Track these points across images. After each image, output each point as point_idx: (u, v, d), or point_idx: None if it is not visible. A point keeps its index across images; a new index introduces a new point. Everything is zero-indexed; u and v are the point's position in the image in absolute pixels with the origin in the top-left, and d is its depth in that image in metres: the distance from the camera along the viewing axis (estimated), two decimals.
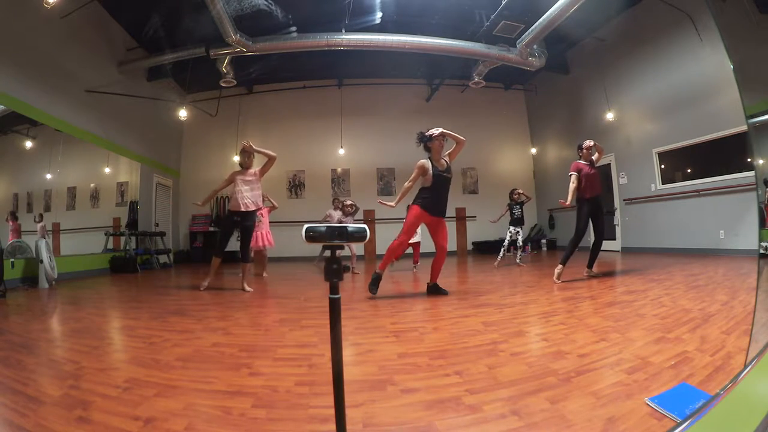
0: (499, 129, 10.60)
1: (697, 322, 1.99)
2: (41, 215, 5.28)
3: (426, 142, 3.31)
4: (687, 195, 6.26)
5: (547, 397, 1.21)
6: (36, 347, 1.97)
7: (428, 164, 3.26)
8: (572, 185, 3.92)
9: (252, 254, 5.53)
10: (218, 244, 4.09)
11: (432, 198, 3.28)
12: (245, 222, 3.97)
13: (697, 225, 6.10)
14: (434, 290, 3.39)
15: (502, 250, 5.91)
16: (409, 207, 3.47)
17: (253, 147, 3.96)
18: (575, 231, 3.96)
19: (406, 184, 3.33)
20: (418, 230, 5.37)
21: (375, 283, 3.31)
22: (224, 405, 1.23)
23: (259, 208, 4.26)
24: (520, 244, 5.96)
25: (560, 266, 3.87)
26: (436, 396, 1.25)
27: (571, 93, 9.01)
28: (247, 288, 3.94)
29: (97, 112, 6.37)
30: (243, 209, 3.92)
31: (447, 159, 3.36)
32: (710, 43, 5.48)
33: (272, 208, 5.48)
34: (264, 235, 5.31)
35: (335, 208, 6.23)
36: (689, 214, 6.25)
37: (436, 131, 3.25)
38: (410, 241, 5.50)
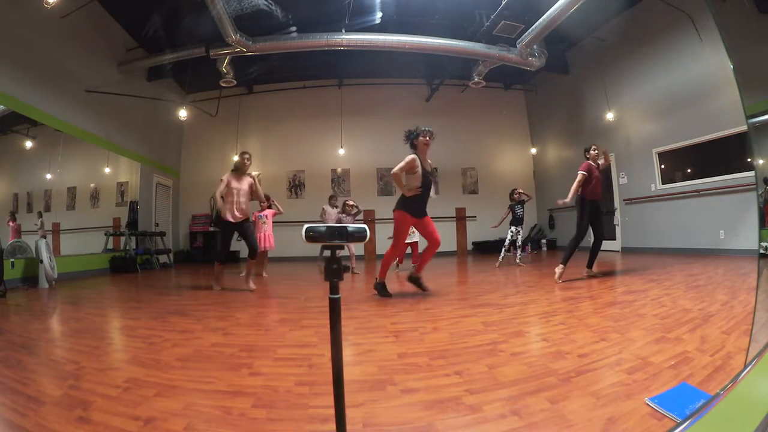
0: (499, 129, 10.60)
1: (697, 322, 1.99)
2: (40, 213, 5.28)
3: (413, 139, 3.27)
4: (687, 195, 6.26)
5: (547, 397, 1.21)
6: (36, 347, 1.97)
7: (418, 161, 3.22)
8: (577, 182, 3.90)
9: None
10: (220, 251, 4.02)
11: (418, 201, 3.23)
12: (241, 229, 3.92)
13: (697, 225, 6.10)
14: (416, 282, 3.35)
15: (503, 250, 5.92)
16: (394, 212, 3.32)
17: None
18: (576, 231, 3.97)
19: (397, 171, 3.18)
20: (415, 230, 5.43)
21: (383, 288, 3.28)
22: (224, 405, 1.23)
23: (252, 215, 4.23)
24: (519, 243, 5.96)
25: (561, 266, 3.86)
26: (436, 396, 1.25)
27: (571, 93, 9.01)
28: (252, 286, 3.92)
29: (97, 112, 6.37)
30: (235, 220, 3.85)
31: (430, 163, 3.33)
32: (710, 43, 5.48)
33: (277, 212, 5.49)
34: (267, 236, 5.33)
35: (332, 206, 6.20)
36: (689, 214, 6.25)
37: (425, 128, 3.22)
38: (407, 242, 5.52)
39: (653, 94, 6.82)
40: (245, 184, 3.94)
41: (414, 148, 3.28)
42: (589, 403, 1.16)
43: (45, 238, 4.70)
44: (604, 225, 4.24)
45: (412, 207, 3.23)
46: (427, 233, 3.35)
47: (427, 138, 3.26)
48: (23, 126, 5.16)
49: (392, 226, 3.31)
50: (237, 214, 3.86)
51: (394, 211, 3.31)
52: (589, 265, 4.13)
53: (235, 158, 4.07)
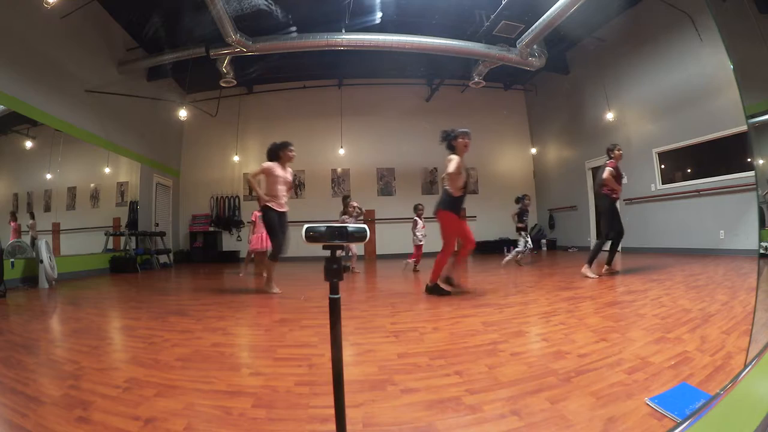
0: (499, 129, 10.60)
1: (697, 322, 1.99)
2: (32, 214, 5.23)
3: (450, 140, 3.28)
4: (687, 195, 6.26)
5: (547, 397, 1.21)
6: (36, 347, 1.97)
7: (462, 162, 3.22)
8: (608, 174, 4.07)
9: (253, 255, 5.54)
10: (276, 245, 3.65)
11: (461, 201, 3.27)
12: (285, 221, 3.76)
13: (697, 225, 6.10)
14: (449, 283, 3.36)
15: (517, 252, 5.99)
16: (440, 212, 3.30)
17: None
18: (615, 229, 4.15)
19: (455, 171, 3.14)
20: (425, 233, 5.56)
21: (437, 289, 3.29)
22: (224, 405, 1.23)
23: None
24: (530, 245, 6.10)
25: (606, 267, 4.14)
26: (436, 396, 1.25)
27: (571, 93, 9.01)
28: (276, 289, 3.71)
29: (97, 112, 6.37)
30: (285, 210, 3.71)
31: None
32: (710, 43, 5.48)
33: None
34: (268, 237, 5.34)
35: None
36: (689, 214, 6.25)
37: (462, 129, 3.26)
38: (420, 243, 5.60)
39: (653, 94, 6.82)
40: (289, 174, 3.78)
41: (451, 149, 3.28)
42: (589, 403, 1.16)
43: (36, 238, 4.70)
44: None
45: (457, 207, 3.26)
46: (464, 233, 3.36)
47: (467, 140, 3.28)
48: (23, 126, 5.16)
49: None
50: (284, 202, 3.69)
51: (438, 211, 3.29)
52: (590, 263, 4.15)
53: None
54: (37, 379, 1.49)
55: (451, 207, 3.24)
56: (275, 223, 3.65)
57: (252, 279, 5.07)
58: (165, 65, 7.15)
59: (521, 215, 6.04)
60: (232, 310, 2.93)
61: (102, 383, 1.41)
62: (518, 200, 6.12)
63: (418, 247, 5.71)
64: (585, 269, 4.11)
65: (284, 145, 3.75)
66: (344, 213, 5.70)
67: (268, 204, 3.62)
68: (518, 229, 6.05)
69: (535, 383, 1.32)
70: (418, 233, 5.67)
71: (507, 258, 6.00)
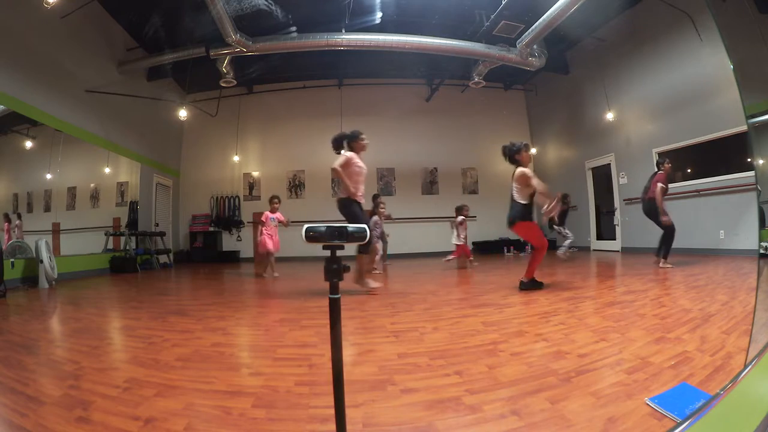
0: (499, 129, 10.59)
1: (697, 322, 1.99)
2: (19, 215, 5.17)
3: (514, 154, 3.33)
4: (687, 195, 6.26)
5: (547, 397, 1.21)
6: (36, 347, 1.97)
7: None
8: (660, 194, 4.60)
9: (263, 253, 5.53)
10: (370, 241, 3.39)
11: (533, 210, 3.38)
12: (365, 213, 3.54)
13: (697, 225, 6.10)
14: (531, 286, 3.43)
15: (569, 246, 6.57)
16: (520, 223, 3.36)
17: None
18: (670, 229, 4.63)
19: (537, 184, 3.25)
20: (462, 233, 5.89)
21: (536, 281, 3.39)
22: (224, 405, 1.23)
23: None
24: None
25: (663, 260, 4.47)
26: (436, 396, 1.25)
27: (571, 93, 9.00)
28: (373, 284, 3.50)
29: (97, 112, 6.37)
30: (363, 201, 3.49)
31: None
32: (710, 43, 5.48)
33: (283, 220, 5.52)
34: (275, 240, 5.38)
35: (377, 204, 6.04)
36: (689, 214, 6.25)
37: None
38: (459, 242, 5.85)
39: (653, 94, 6.82)
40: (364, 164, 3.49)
41: (515, 163, 3.35)
42: (589, 403, 1.16)
43: (22, 239, 4.75)
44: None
45: (532, 214, 3.37)
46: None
47: (531, 152, 3.44)
48: (23, 126, 5.16)
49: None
50: (361, 193, 3.51)
51: (518, 224, 3.35)
52: (665, 257, 4.53)
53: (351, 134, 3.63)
54: (37, 379, 1.49)
55: (529, 216, 3.35)
56: (362, 217, 3.48)
57: (267, 278, 5.07)
58: (165, 65, 7.15)
59: (564, 214, 6.30)
60: (232, 310, 2.93)
61: (102, 383, 1.41)
62: (566, 200, 6.37)
63: (460, 246, 5.90)
64: (662, 263, 4.46)
65: (356, 135, 3.59)
66: (374, 213, 5.68)
67: (353, 198, 3.41)
68: (558, 223, 6.41)
69: (535, 383, 1.32)
70: (461, 233, 5.85)
71: (561, 250, 6.42)
